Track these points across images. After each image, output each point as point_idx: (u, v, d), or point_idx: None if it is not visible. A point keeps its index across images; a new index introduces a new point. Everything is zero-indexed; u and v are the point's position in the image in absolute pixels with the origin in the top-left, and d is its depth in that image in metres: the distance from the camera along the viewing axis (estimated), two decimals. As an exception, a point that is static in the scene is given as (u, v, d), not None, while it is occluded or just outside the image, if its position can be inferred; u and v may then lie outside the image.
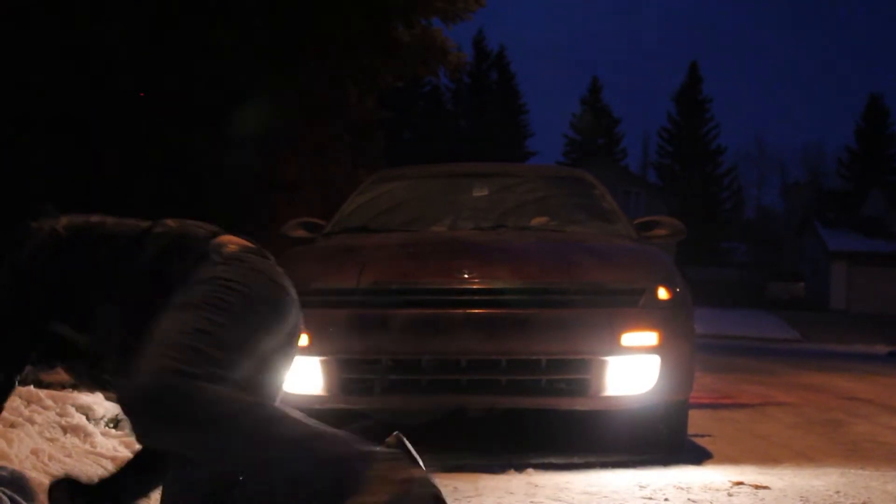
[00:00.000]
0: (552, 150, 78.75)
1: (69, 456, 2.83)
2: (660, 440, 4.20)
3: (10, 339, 2.01)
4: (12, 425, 2.82)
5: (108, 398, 3.92)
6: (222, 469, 1.93)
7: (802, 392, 7.84)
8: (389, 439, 2.10)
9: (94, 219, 2.14)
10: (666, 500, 3.06)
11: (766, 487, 3.27)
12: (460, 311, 3.83)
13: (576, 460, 3.91)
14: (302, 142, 9.29)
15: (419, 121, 44.72)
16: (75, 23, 6.79)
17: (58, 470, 2.61)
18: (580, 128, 50.60)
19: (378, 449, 1.89)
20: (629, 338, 3.82)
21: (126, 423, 3.51)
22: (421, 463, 2.08)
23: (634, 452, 4.04)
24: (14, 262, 2.04)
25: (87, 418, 3.40)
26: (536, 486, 3.30)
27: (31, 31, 6.70)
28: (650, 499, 3.07)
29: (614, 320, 3.82)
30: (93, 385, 2.31)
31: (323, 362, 3.87)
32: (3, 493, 2.42)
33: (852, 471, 3.71)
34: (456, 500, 3.04)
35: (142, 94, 7.49)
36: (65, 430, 3.11)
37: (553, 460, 3.88)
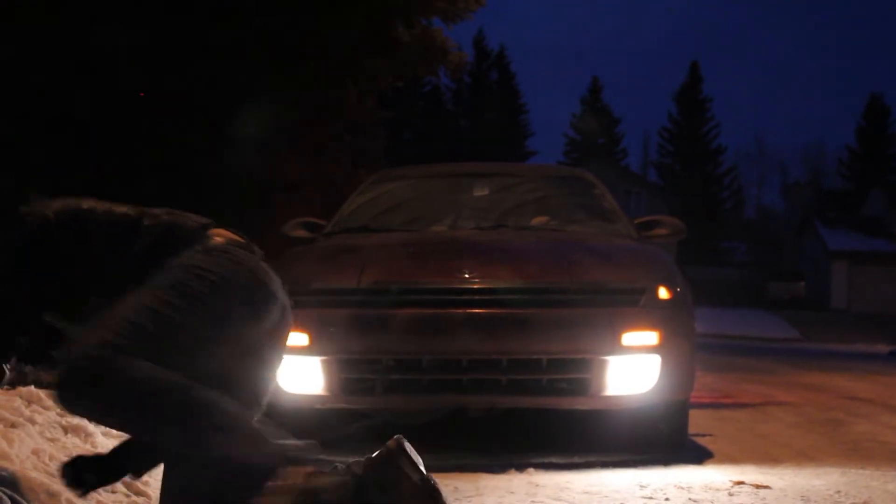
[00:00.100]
0: (552, 150, 78.76)
1: (70, 456, 2.83)
2: (660, 440, 4.20)
3: None
4: (13, 425, 2.82)
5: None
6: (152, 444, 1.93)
7: (803, 391, 7.83)
8: (390, 443, 2.10)
9: (86, 204, 2.13)
10: (667, 499, 3.06)
11: (766, 487, 3.27)
12: (461, 310, 3.83)
13: (576, 460, 3.90)
14: (302, 142, 9.29)
15: (419, 120, 44.73)
16: (75, 23, 6.80)
17: (58, 470, 2.61)
18: (580, 127, 50.60)
19: (291, 453, 1.87)
20: (630, 337, 3.82)
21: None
22: (422, 466, 2.08)
23: (635, 452, 4.04)
24: (2, 249, 2.03)
25: (88, 418, 3.40)
26: (537, 485, 3.30)
27: (32, 31, 6.70)
28: (651, 498, 3.07)
29: (615, 320, 3.82)
30: None
31: (324, 362, 3.87)
32: (4, 493, 2.42)
33: (853, 470, 3.71)
34: (457, 499, 3.04)
35: (142, 94, 7.49)
36: (66, 430, 3.11)
37: (554, 460, 3.88)
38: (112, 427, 1.88)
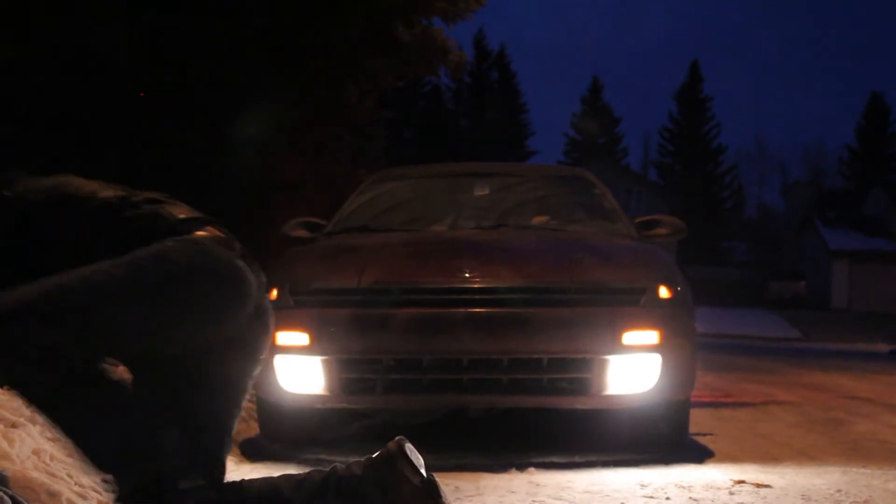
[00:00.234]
0: (553, 150, 78.79)
1: (71, 456, 2.82)
2: (661, 439, 4.21)
3: None
4: (13, 425, 2.82)
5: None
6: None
7: (804, 391, 7.83)
8: (391, 445, 2.10)
9: (72, 186, 2.10)
10: (667, 498, 3.06)
11: (767, 486, 3.26)
12: (461, 310, 3.83)
13: (577, 459, 3.90)
14: (302, 142, 9.28)
15: (420, 120, 44.74)
16: (75, 23, 6.80)
17: (59, 470, 2.61)
18: (581, 127, 50.61)
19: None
20: (630, 336, 3.82)
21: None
22: (422, 468, 2.08)
23: (636, 451, 4.04)
24: None
25: (88, 418, 3.40)
26: (538, 485, 3.30)
27: (32, 31, 6.70)
28: (652, 497, 3.07)
29: (615, 319, 3.82)
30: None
31: (324, 362, 3.87)
32: (4, 493, 2.42)
33: (854, 469, 3.71)
34: (458, 499, 3.03)
35: (142, 94, 7.49)
36: (66, 430, 3.10)
37: (555, 459, 3.88)
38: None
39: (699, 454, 4.12)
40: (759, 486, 3.27)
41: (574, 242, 4.41)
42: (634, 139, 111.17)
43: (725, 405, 6.49)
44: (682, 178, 48.22)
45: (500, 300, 3.84)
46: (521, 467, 3.60)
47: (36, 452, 2.69)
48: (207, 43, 7.51)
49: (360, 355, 3.87)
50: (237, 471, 3.60)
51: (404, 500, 2.04)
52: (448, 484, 3.21)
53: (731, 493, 3.14)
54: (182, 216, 2.06)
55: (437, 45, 9.43)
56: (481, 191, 5.21)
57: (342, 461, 2.16)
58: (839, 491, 3.20)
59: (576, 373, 3.82)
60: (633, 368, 3.84)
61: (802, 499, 3.06)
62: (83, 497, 2.07)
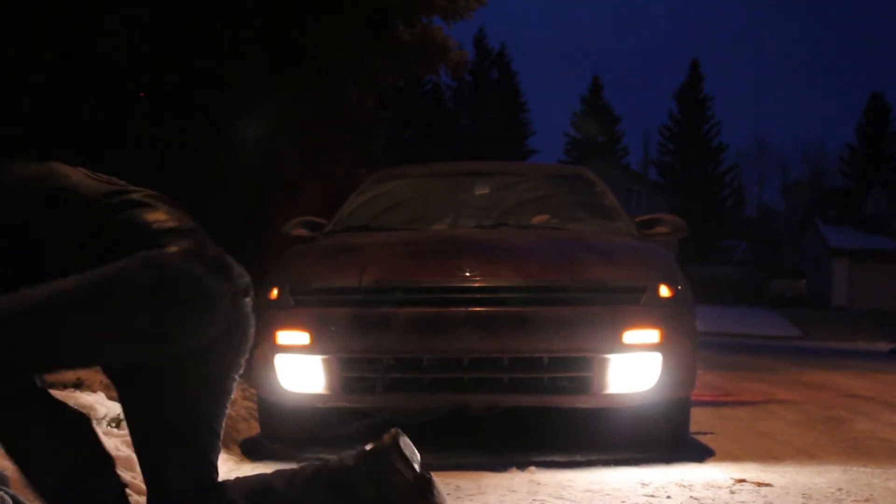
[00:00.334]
0: (553, 149, 78.77)
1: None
2: (662, 438, 4.20)
3: None
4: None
5: (109, 398, 3.92)
6: None
7: (804, 389, 7.83)
8: (385, 437, 2.10)
9: (51, 177, 2.09)
10: (668, 497, 3.06)
11: (768, 485, 3.27)
12: (462, 309, 3.83)
13: (578, 458, 3.90)
14: (302, 142, 9.28)
15: (420, 120, 44.74)
16: (75, 23, 6.80)
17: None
18: (581, 126, 50.59)
19: None
20: (631, 335, 3.81)
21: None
22: (415, 462, 2.07)
23: (636, 450, 4.04)
24: None
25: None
26: (539, 484, 3.30)
27: (31, 31, 6.70)
28: (652, 496, 3.07)
29: (616, 318, 3.82)
30: None
31: (324, 361, 3.87)
32: (6, 492, 2.42)
33: (854, 468, 3.71)
34: (458, 498, 3.04)
35: (142, 94, 7.49)
36: (67, 429, 3.10)
37: (555, 458, 3.88)
38: None
39: (700, 453, 4.12)
40: (759, 484, 3.27)
41: (574, 241, 4.41)
42: (635, 138, 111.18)
43: (726, 404, 6.49)
44: (683, 178, 48.20)
45: (501, 299, 3.84)
46: (522, 466, 3.60)
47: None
48: (207, 43, 7.51)
49: (361, 354, 3.87)
50: (237, 470, 3.60)
51: (395, 493, 2.04)
52: (449, 483, 3.21)
53: (732, 492, 3.14)
54: (158, 227, 2.04)
55: (438, 45, 9.42)
56: (482, 190, 5.21)
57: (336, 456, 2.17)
58: (840, 489, 3.20)
59: (576, 372, 3.82)
60: (634, 367, 3.84)
61: (803, 497, 3.06)
62: None
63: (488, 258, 4.05)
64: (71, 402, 3.39)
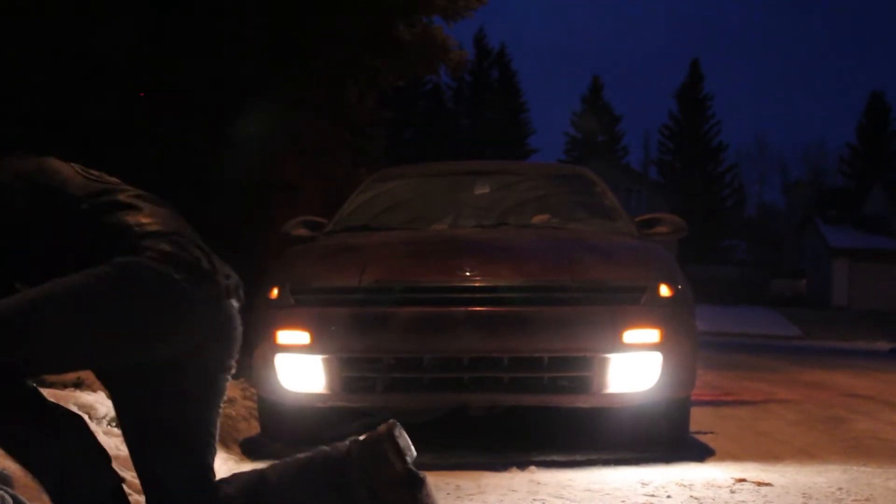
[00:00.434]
0: (553, 148, 78.77)
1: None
2: (662, 437, 4.20)
3: None
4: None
5: (109, 397, 3.92)
6: None
7: (804, 389, 7.83)
8: (381, 427, 2.10)
9: (44, 173, 2.10)
10: (668, 497, 3.06)
11: (768, 484, 3.27)
12: (462, 308, 3.83)
13: (578, 458, 3.91)
14: (302, 142, 9.27)
15: (420, 119, 44.76)
16: (75, 23, 6.79)
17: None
18: (581, 125, 50.59)
19: None
20: (631, 335, 3.82)
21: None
22: (408, 455, 2.07)
23: (637, 450, 4.04)
24: None
25: (90, 417, 3.40)
26: (539, 483, 3.30)
27: (32, 31, 6.70)
28: (652, 496, 3.07)
29: (616, 317, 3.82)
30: None
31: (325, 360, 3.87)
32: (6, 492, 2.42)
33: (854, 467, 3.71)
34: (458, 497, 3.04)
35: (142, 94, 7.49)
36: (67, 429, 3.11)
37: (555, 458, 3.88)
38: None
39: (700, 452, 4.12)
40: (760, 484, 3.27)
41: (574, 241, 4.41)
42: (635, 138, 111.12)
43: (726, 403, 6.49)
44: (683, 177, 48.20)
45: (501, 299, 3.84)
46: (522, 466, 3.60)
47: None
48: (207, 43, 7.51)
49: (361, 354, 3.87)
50: (238, 469, 3.59)
51: (384, 483, 2.05)
52: (449, 482, 3.22)
53: (732, 492, 3.14)
54: (139, 230, 2.04)
55: (438, 44, 9.41)
56: (482, 189, 5.21)
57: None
58: (840, 489, 3.20)
59: (576, 371, 3.82)
60: (634, 367, 3.84)
61: (803, 497, 3.06)
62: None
63: (488, 258, 4.05)
64: (71, 402, 3.40)
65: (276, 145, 8.62)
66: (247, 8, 7.96)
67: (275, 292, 4.02)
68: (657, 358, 3.84)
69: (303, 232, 4.89)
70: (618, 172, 41.19)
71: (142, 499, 2.20)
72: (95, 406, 3.60)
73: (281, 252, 4.67)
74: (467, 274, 3.89)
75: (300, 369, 3.92)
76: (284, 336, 3.93)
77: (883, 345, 20.54)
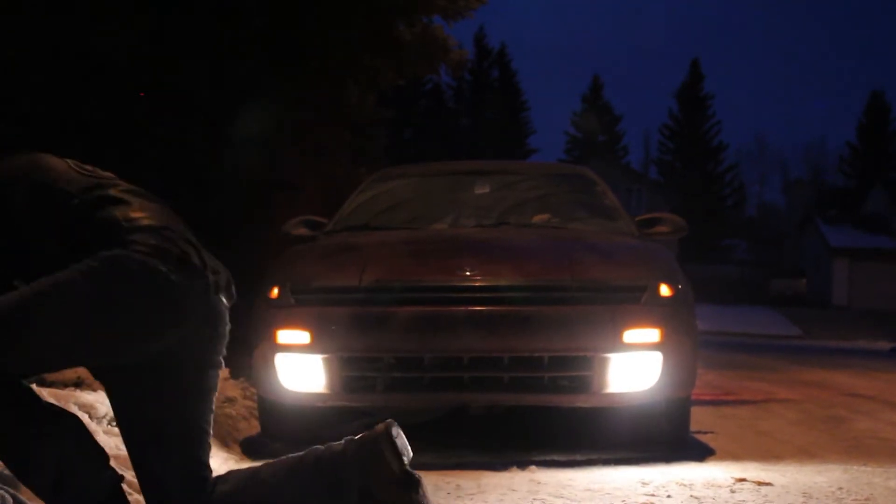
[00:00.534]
0: (553, 148, 78.73)
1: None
2: (662, 437, 4.21)
3: None
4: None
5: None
6: None
7: (804, 389, 7.83)
8: (378, 427, 2.10)
9: (37, 171, 2.10)
10: (668, 496, 3.06)
11: (768, 484, 3.26)
12: (462, 308, 3.83)
13: (578, 457, 3.90)
14: (302, 142, 9.27)
15: (420, 119, 44.74)
16: (75, 23, 6.79)
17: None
18: (581, 125, 50.59)
19: None
20: (631, 335, 3.81)
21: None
22: (405, 455, 2.07)
23: (637, 449, 4.04)
24: None
25: (90, 417, 3.40)
26: (539, 483, 3.30)
27: (32, 31, 6.70)
28: (653, 496, 3.07)
29: (616, 317, 3.82)
30: None
31: (325, 360, 3.87)
32: (6, 491, 2.42)
33: (855, 467, 3.71)
34: (458, 497, 3.04)
35: (142, 94, 7.48)
36: (67, 429, 3.11)
37: (555, 457, 3.88)
38: None
39: (700, 452, 4.12)
40: (760, 483, 3.27)
41: (575, 241, 4.41)
42: (635, 137, 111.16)
43: (726, 403, 6.49)
44: (683, 177, 48.19)
45: (501, 298, 3.84)
46: (523, 465, 3.60)
47: None
48: (207, 43, 7.51)
49: (361, 353, 3.87)
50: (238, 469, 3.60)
51: (380, 483, 2.05)
52: (449, 482, 3.22)
53: (733, 492, 3.14)
54: (128, 225, 2.04)
55: (438, 44, 9.41)
56: (482, 189, 5.21)
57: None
58: (840, 489, 3.20)
59: (577, 371, 3.82)
60: (634, 366, 3.84)
61: (803, 497, 3.06)
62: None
63: (489, 257, 4.05)
64: (71, 401, 3.40)
65: (276, 145, 8.62)
66: (247, 8, 7.96)
67: (275, 292, 4.02)
68: (657, 357, 3.84)
69: (303, 231, 4.89)
70: (618, 172, 41.18)
71: (142, 498, 2.20)
72: (95, 406, 3.60)
73: (281, 252, 4.67)
74: (468, 273, 3.89)
75: (300, 369, 3.92)
76: (284, 335, 3.93)
77: (883, 344, 20.54)
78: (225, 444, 3.99)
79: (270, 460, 2.22)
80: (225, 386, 4.67)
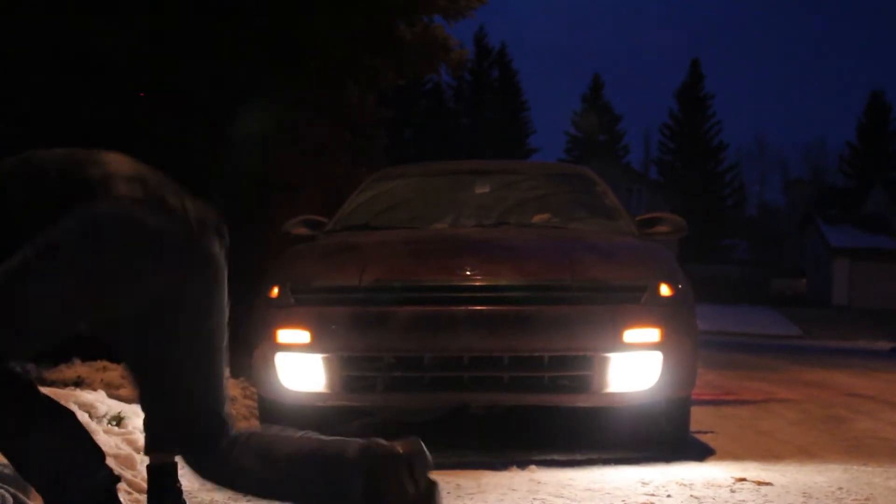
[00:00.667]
0: (554, 148, 78.87)
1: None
2: (662, 437, 4.21)
3: None
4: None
5: (110, 396, 3.92)
6: None
7: (804, 388, 7.83)
8: (403, 443, 2.03)
9: (32, 158, 2.11)
10: (668, 496, 3.06)
11: (768, 484, 3.27)
12: (462, 308, 3.83)
13: (578, 457, 3.91)
14: (302, 142, 9.27)
15: (420, 119, 44.74)
16: (75, 23, 6.80)
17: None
18: (582, 125, 50.60)
19: None
20: (631, 334, 3.81)
21: (128, 421, 3.51)
22: (422, 480, 2.02)
23: (637, 449, 4.04)
24: None
25: (90, 416, 3.41)
26: (539, 483, 3.30)
27: (32, 31, 6.70)
28: (653, 495, 3.07)
29: (616, 317, 3.82)
30: None
31: (325, 359, 3.87)
32: (6, 490, 2.42)
33: (855, 467, 3.71)
34: (459, 496, 3.04)
35: (142, 94, 7.49)
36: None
37: (555, 457, 3.88)
38: None
39: (700, 452, 4.12)
40: (760, 483, 3.27)
41: (575, 240, 4.41)
42: (635, 137, 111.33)
43: (726, 403, 6.49)
44: (683, 176, 48.19)
45: (502, 298, 3.84)
46: (523, 465, 3.60)
47: None
48: (207, 43, 7.51)
49: (362, 353, 3.87)
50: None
51: (392, 498, 2.00)
52: (449, 481, 3.22)
53: (733, 491, 3.14)
54: (105, 176, 2.03)
55: (438, 44, 9.41)
56: (482, 189, 5.21)
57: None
58: (840, 489, 3.20)
59: (577, 370, 3.82)
60: (634, 366, 3.84)
61: (803, 496, 3.06)
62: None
63: (489, 257, 4.05)
64: (71, 400, 3.40)
65: (277, 145, 8.62)
66: (247, 8, 7.96)
67: (275, 291, 4.02)
68: (657, 357, 3.84)
69: (303, 231, 4.89)
70: (618, 172, 41.17)
71: (142, 498, 2.20)
72: (95, 405, 3.60)
73: (281, 252, 4.67)
74: (468, 273, 3.89)
75: (300, 368, 3.92)
76: (285, 335, 3.93)
77: (883, 344, 20.54)
78: (225, 444, 3.98)
79: (296, 432, 2.16)
80: (225, 386, 4.67)
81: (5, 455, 2.02)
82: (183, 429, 2.08)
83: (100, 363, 5.74)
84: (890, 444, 4.50)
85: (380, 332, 3.84)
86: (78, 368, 5.61)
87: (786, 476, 3.45)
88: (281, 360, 3.94)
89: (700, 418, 5.00)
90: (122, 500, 2.11)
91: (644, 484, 3.26)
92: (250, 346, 4.12)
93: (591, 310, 3.84)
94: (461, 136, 45.02)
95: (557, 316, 3.81)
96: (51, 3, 6.80)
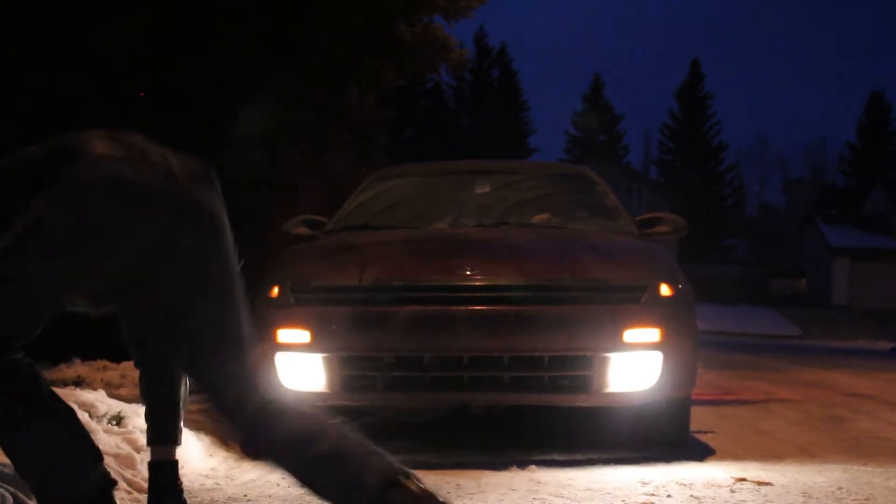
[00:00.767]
0: (554, 148, 78.89)
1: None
2: (662, 437, 4.21)
3: None
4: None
5: (110, 395, 3.92)
6: None
7: (805, 388, 7.83)
8: (428, 493, 1.99)
9: (27, 150, 2.12)
10: (668, 496, 3.06)
11: (768, 484, 3.27)
12: (462, 308, 3.83)
13: (578, 457, 3.91)
14: (302, 142, 9.28)
15: (420, 119, 44.73)
16: (75, 23, 6.80)
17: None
18: (582, 125, 50.60)
19: None
20: (631, 334, 3.81)
21: (128, 421, 3.51)
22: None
23: (637, 449, 4.04)
24: None
25: (90, 416, 3.41)
26: (539, 482, 3.30)
27: (32, 31, 6.71)
28: (653, 495, 3.07)
29: (616, 317, 3.82)
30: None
31: (325, 359, 3.87)
32: (6, 490, 2.42)
33: (855, 467, 3.71)
34: (459, 496, 3.03)
35: (142, 94, 7.49)
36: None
37: (556, 457, 3.88)
38: None
39: (700, 452, 4.12)
40: (760, 483, 3.27)
41: (575, 240, 4.40)
42: (635, 137, 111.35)
43: (726, 403, 6.49)
44: (683, 176, 48.20)
45: (502, 298, 3.84)
46: (523, 465, 3.60)
47: None
48: (207, 43, 7.52)
49: (362, 353, 3.87)
50: (238, 468, 3.61)
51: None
52: (449, 481, 3.22)
53: (733, 491, 3.14)
54: (83, 141, 2.03)
55: (439, 43, 9.42)
56: (482, 188, 5.21)
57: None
58: (840, 489, 3.20)
59: (577, 370, 3.82)
60: (634, 366, 3.83)
61: (804, 496, 3.06)
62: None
63: (489, 257, 4.05)
64: (72, 400, 3.40)
65: (277, 145, 8.63)
66: (247, 8, 7.97)
67: (275, 291, 4.02)
68: (657, 357, 3.84)
69: (303, 231, 4.89)
70: (618, 172, 41.18)
71: (142, 497, 2.20)
72: (96, 404, 3.60)
73: (281, 252, 4.67)
74: (468, 273, 3.89)
75: (300, 368, 3.92)
76: (285, 335, 3.93)
77: (883, 344, 20.55)
78: (224, 444, 3.99)
79: (337, 419, 2.14)
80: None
81: (2, 448, 2.02)
82: (210, 390, 2.05)
83: (100, 363, 5.75)
84: (890, 444, 4.50)
85: (380, 332, 3.84)
86: (78, 368, 5.62)
87: (786, 476, 3.45)
88: (281, 359, 3.94)
89: (700, 418, 5.00)
90: (121, 500, 2.11)
91: (644, 484, 3.26)
92: (250, 345, 4.11)
93: (591, 310, 3.84)
94: (461, 136, 45.02)
95: (557, 316, 3.81)
96: (51, 3, 6.80)
